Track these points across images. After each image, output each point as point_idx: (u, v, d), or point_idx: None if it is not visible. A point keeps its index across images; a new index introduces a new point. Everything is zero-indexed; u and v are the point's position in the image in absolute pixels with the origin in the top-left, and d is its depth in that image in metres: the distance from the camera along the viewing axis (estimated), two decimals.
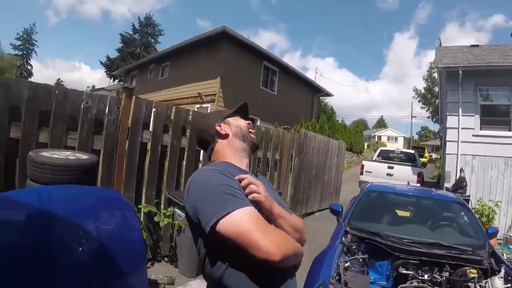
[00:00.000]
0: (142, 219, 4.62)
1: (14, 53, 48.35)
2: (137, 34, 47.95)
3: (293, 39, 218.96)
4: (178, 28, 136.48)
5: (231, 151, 1.69)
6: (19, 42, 52.44)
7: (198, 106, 15.78)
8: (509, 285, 2.87)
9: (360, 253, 3.46)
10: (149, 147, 4.79)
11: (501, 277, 2.95)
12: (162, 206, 4.94)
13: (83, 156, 3.13)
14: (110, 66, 45.21)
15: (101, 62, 47.01)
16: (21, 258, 2.08)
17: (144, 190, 4.81)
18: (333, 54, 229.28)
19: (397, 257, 3.38)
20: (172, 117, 5.04)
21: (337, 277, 2.80)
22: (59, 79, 60.28)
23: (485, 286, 2.94)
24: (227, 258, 1.35)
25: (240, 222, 1.27)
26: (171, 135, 4.99)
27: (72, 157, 3.01)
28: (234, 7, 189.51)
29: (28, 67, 52.04)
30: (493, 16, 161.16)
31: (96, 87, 39.98)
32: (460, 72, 10.78)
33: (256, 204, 1.40)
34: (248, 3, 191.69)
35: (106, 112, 4.22)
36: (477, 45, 14.98)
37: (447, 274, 3.20)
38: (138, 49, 46.50)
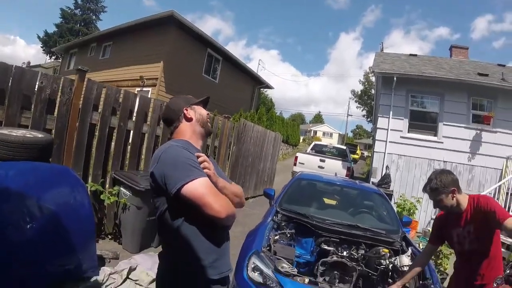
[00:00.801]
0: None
1: None
2: (78, 10, 45.64)
3: (239, 27, 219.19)
4: (122, 4, 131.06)
5: (191, 132, 2.08)
6: None
7: (138, 89, 15.64)
8: None
9: (288, 229, 4.05)
10: (97, 128, 5.00)
11: (408, 255, 3.56)
12: (107, 185, 5.21)
13: (39, 135, 3.40)
14: (47, 42, 42.75)
15: (38, 37, 44.18)
16: None
17: (91, 170, 5.04)
18: (277, 47, 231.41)
19: (320, 235, 3.98)
20: (120, 100, 5.28)
21: (268, 248, 3.41)
22: None
23: (394, 262, 3.53)
24: (183, 214, 1.80)
25: (199, 187, 1.72)
26: (119, 118, 5.24)
27: (29, 135, 3.27)
28: None
29: None
30: (438, 28, 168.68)
31: (31, 64, 37.86)
32: (395, 78, 11.68)
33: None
34: None
35: (59, 92, 4.39)
36: (415, 55, 16.16)
37: (363, 251, 3.84)
38: (78, 25, 44.19)
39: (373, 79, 27.26)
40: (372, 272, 3.62)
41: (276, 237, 3.70)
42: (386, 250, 3.68)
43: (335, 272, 3.55)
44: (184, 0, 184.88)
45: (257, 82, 25.64)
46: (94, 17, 46.58)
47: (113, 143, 5.34)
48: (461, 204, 2.83)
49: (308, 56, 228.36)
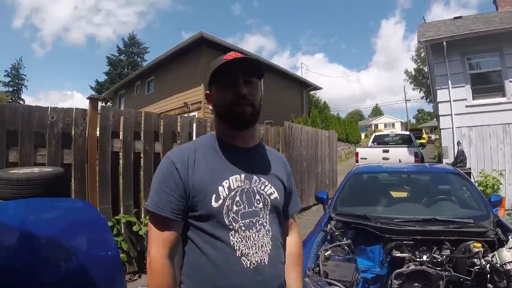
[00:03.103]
0: (123, 230, 4.51)
1: (5, 90, 48.58)
2: (123, 55, 48.32)
3: (280, 39, 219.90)
4: (164, 43, 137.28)
5: (216, 126, 1.49)
6: (8, 79, 52.44)
7: (185, 115, 15.76)
8: None
9: (344, 239, 3.15)
10: (121, 155, 4.69)
11: (510, 248, 2.69)
12: (142, 215, 4.83)
13: (47, 169, 3.08)
14: (100, 90, 45.16)
15: (90, 87, 47.21)
16: None
17: (121, 200, 4.71)
18: (322, 50, 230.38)
19: (388, 240, 3.09)
20: (142, 123, 4.94)
21: (317, 268, 2.56)
22: None
23: (492, 260, 2.65)
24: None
25: (150, 223, 1.33)
26: (143, 142, 4.89)
27: (36, 171, 2.97)
28: (217, 15, 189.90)
29: (20, 102, 51.64)
30: None
31: None
32: (444, 43, 10.52)
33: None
34: (230, 10, 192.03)
35: (73, 125, 4.16)
36: (460, 17, 14.62)
37: (448, 252, 2.91)
38: (126, 69, 46.69)
39: (423, 55, 25.55)
40: (464, 276, 2.75)
41: (327, 253, 2.79)
42: (479, 245, 2.74)
43: (416, 284, 2.71)
44: (222, 26, 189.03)
45: (304, 86, 25.20)
46: (139, 59, 48.65)
47: (142, 170, 4.98)
48: None
49: (353, 51, 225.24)
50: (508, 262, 2.53)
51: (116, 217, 4.40)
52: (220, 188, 1.32)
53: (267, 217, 1.39)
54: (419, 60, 40.25)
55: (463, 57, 10.84)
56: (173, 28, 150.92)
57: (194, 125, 5.72)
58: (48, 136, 3.94)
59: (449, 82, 10.73)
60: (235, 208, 1.33)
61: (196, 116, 15.03)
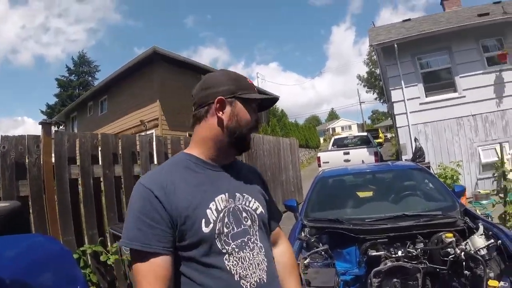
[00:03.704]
0: (90, 261, 4.23)
1: None
2: (73, 75, 46.41)
3: (234, 51, 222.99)
4: (115, 60, 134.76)
5: (209, 140, 1.33)
6: None
7: (143, 134, 15.48)
8: (492, 240, 2.67)
9: (321, 245, 3.17)
10: (79, 182, 4.41)
11: (481, 234, 2.76)
12: (109, 243, 4.56)
13: (2, 204, 2.83)
14: (52, 114, 43.25)
15: (41, 111, 45.03)
16: None
17: (84, 230, 4.44)
18: (276, 59, 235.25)
19: (363, 240, 3.17)
20: (99, 146, 4.69)
21: None
22: None
23: (466, 248, 2.70)
24: None
25: (135, 263, 1.17)
26: (102, 165, 4.62)
27: None
28: (170, 29, 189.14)
29: None
30: None
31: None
32: (395, 45, 11.07)
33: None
34: (183, 23, 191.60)
35: (26, 153, 3.86)
36: (409, 19, 15.34)
37: (421, 245, 3.01)
38: (77, 90, 44.72)
39: (375, 57, 26.43)
40: (440, 267, 2.81)
41: (306, 261, 2.83)
42: (450, 235, 2.85)
43: (395, 280, 2.73)
44: (176, 40, 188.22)
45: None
46: (90, 78, 47.20)
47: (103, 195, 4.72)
48: None
49: (307, 58, 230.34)
50: (481, 248, 2.61)
51: (82, 248, 4.10)
52: (208, 211, 1.22)
53: (257, 233, 1.33)
54: (371, 64, 41.50)
55: (414, 57, 11.41)
56: (125, 44, 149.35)
57: (154, 143, 5.51)
58: (1, 167, 3.62)
59: (402, 82, 11.30)
60: (225, 230, 1.24)
61: (154, 134, 14.79)
